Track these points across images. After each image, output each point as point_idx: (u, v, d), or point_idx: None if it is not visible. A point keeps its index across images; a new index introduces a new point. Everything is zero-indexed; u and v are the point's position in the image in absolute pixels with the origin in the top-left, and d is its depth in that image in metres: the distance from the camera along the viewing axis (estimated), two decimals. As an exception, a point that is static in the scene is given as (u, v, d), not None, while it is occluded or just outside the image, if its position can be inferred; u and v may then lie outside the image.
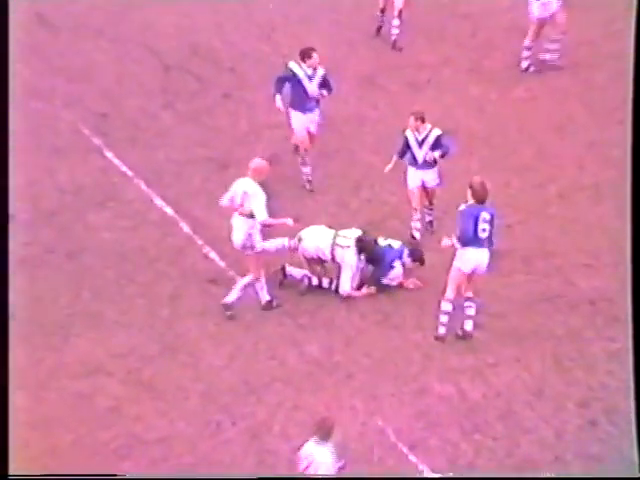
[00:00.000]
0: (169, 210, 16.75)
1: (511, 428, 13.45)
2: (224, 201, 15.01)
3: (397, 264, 15.41)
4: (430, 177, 16.06)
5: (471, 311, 14.66)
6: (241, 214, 14.74)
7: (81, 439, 13.26)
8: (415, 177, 16.05)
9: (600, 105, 18.67)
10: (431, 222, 16.32)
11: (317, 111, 16.91)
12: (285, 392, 13.88)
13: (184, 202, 16.76)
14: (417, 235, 16.08)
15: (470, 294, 14.63)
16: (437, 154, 15.80)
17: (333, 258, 15.37)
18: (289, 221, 14.77)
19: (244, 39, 20.44)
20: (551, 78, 19.29)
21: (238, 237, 14.86)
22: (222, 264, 15.77)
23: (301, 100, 16.74)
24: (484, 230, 14.37)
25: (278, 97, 16.68)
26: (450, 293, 14.55)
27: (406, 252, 15.45)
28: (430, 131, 15.85)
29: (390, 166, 15.97)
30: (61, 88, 18.80)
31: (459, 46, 20.16)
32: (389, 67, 19.70)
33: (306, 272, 15.46)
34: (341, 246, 15.34)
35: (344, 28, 20.60)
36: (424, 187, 16.11)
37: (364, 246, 15.31)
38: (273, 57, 19.77)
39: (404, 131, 15.93)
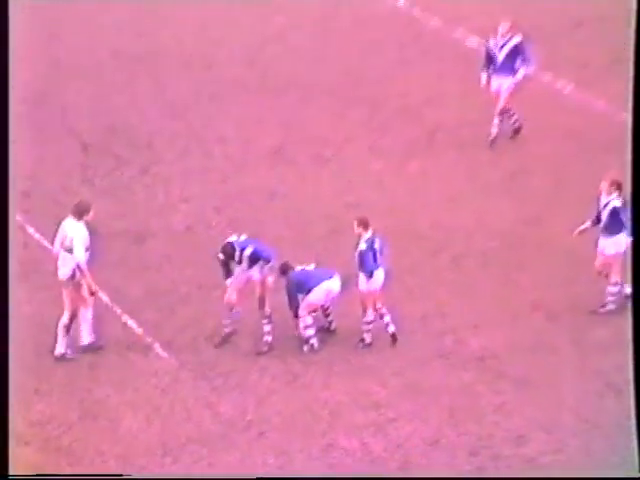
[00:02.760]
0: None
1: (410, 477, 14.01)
2: (56, 246, 15.83)
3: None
4: None
5: (387, 318, 15.82)
6: (65, 250, 15.73)
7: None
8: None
9: (485, 179, 19.29)
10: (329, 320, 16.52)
11: None
12: (200, 452, 14.22)
13: (103, 273, 16.83)
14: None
15: (380, 305, 15.85)
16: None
17: None
18: (92, 287, 15.61)
19: (159, 117, 20.90)
20: (440, 155, 19.89)
21: (64, 272, 15.73)
22: (139, 331, 16.12)
23: None
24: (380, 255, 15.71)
25: None
26: (370, 311, 15.82)
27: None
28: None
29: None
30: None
31: (360, 125, 20.67)
32: (296, 141, 20.19)
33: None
34: None
35: (252, 105, 21.10)
36: None
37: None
38: (186, 133, 20.35)
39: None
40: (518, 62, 19.49)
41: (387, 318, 15.96)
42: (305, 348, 15.89)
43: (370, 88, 21.47)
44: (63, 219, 15.73)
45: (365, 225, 15.76)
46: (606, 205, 16.18)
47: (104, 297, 16.64)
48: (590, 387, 15.18)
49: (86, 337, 15.85)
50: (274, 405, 14.91)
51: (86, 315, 15.82)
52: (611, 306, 16.35)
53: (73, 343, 15.77)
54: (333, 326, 16.25)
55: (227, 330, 16.01)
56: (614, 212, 16.12)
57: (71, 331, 15.71)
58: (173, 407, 14.93)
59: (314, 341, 15.90)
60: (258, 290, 15.84)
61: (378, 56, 22.47)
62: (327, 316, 16.22)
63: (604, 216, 16.18)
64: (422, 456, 14.18)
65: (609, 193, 16.15)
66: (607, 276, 16.36)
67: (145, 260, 17.57)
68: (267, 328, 15.90)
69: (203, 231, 17.85)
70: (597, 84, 20.95)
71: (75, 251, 15.59)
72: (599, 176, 16.45)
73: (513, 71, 19.52)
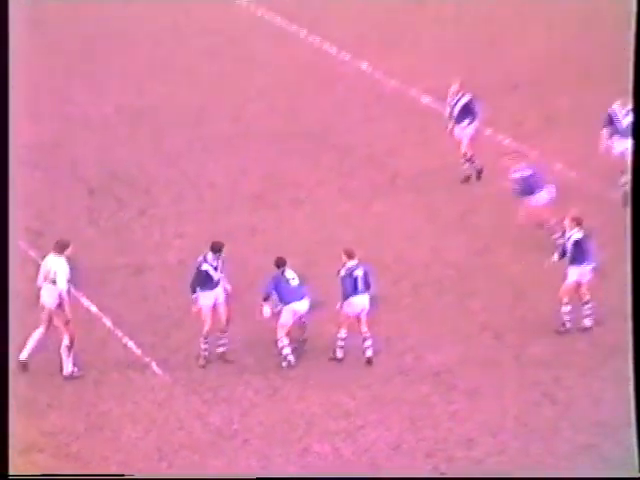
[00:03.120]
0: (94, 308, 17.08)
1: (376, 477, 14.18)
2: (39, 280, 15.86)
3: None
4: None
5: (368, 342, 15.87)
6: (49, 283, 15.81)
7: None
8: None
9: (440, 218, 19.43)
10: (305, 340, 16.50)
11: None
12: (192, 457, 14.31)
13: (106, 301, 17.11)
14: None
15: (365, 329, 15.95)
16: None
17: None
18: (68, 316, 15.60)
19: (157, 165, 20.95)
20: (401, 197, 20.01)
21: (50, 302, 15.79)
22: (138, 352, 16.16)
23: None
24: (360, 280, 15.83)
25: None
26: (343, 331, 16.01)
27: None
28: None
29: None
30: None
31: (331, 171, 20.83)
32: (275, 186, 20.30)
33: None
34: None
35: (237, 155, 21.18)
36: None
37: None
38: (180, 180, 20.45)
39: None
40: (469, 116, 19.78)
41: (368, 343, 16.00)
42: (284, 364, 16.03)
43: (339, 139, 21.62)
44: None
45: (349, 254, 15.95)
46: (569, 238, 16.45)
47: (107, 322, 16.74)
48: (529, 397, 15.29)
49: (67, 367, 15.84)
50: (257, 416, 15.03)
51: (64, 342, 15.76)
52: (569, 325, 16.45)
53: (78, 361, 15.80)
54: (305, 335, 16.24)
55: (220, 350, 16.14)
56: (577, 243, 16.38)
57: (73, 351, 15.68)
58: (168, 418, 15.02)
59: (291, 358, 16.02)
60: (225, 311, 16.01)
61: (346, 112, 22.64)
62: (302, 328, 16.21)
63: (569, 247, 16.43)
64: (386, 459, 14.32)
65: (571, 228, 16.45)
66: (570, 301, 16.48)
67: (143, 290, 17.68)
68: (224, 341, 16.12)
69: (194, 264, 17.88)
70: (532, 139, 21.12)
71: (58, 282, 15.67)
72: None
73: (468, 123, 19.82)
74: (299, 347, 16.16)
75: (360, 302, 15.97)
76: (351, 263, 15.90)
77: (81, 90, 23.61)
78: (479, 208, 19.59)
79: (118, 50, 25.15)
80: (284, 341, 16.03)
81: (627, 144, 17.36)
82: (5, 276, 13.70)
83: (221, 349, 16.14)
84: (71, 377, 15.71)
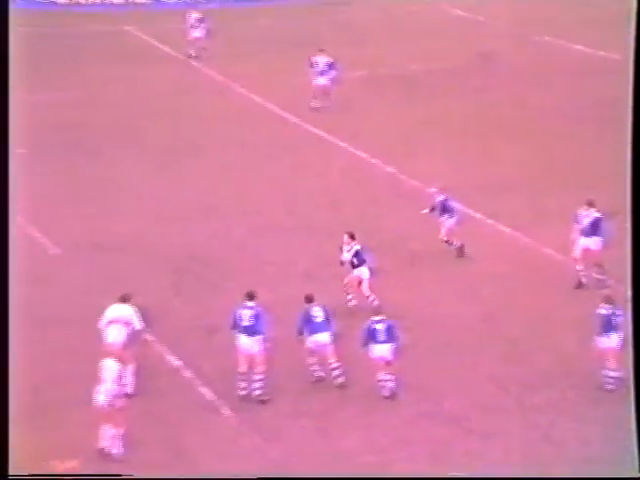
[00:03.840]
0: (177, 362, 16.74)
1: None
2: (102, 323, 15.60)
3: None
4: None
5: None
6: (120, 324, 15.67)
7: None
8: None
9: (452, 288, 19.09)
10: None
11: None
12: None
13: (187, 356, 16.71)
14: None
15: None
16: None
17: None
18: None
19: (225, 248, 20.79)
20: (418, 271, 19.76)
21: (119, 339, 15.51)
22: (213, 397, 15.75)
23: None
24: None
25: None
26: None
27: None
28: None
29: None
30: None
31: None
32: (321, 264, 19.75)
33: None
34: None
35: (291, 240, 20.85)
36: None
37: None
38: (244, 259, 20.24)
39: None
40: (448, 212, 20.03)
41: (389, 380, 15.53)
42: (313, 379, 15.75)
43: (371, 225, 21.23)
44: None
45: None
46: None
47: (188, 373, 16.46)
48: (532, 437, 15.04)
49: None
50: (308, 451, 14.58)
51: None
52: (611, 387, 15.48)
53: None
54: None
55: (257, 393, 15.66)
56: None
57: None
58: (235, 452, 14.60)
59: (316, 369, 15.77)
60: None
61: (376, 204, 22.62)
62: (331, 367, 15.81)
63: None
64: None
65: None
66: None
67: (217, 347, 17.05)
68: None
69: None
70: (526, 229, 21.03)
71: (135, 322, 15.69)
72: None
73: (447, 217, 20.06)
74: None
75: (380, 351, 15.45)
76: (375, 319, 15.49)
77: (166, 188, 23.63)
78: (480, 284, 19.23)
79: (195, 156, 25.27)
80: (309, 360, 15.83)
81: (589, 242, 18.27)
82: (5, 275, 13.24)
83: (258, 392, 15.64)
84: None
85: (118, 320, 15.81)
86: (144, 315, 16.07)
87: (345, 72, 28.27)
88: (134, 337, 15.81)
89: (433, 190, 20.40)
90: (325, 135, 26.52)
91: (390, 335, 15.62)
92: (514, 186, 23.10)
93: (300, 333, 15.81)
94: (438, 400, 15.81)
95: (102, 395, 14.48)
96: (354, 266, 17.91)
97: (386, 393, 15.63)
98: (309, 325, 15.75)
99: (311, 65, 27.88)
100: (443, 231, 20.08)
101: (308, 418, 15.48)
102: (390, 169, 24.37)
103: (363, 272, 17.84)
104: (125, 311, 15.95)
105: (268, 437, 15.05)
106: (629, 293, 12.01)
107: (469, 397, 15.85)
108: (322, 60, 27.74)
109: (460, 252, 20.07)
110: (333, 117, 27.32)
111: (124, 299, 16.09)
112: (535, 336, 17.10)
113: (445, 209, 20.05)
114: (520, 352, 17.00)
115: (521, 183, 23.28)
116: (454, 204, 20.21)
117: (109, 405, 14.39)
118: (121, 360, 14.68)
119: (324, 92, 27.73)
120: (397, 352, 15.67)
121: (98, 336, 15.88)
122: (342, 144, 25.94)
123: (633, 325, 11.38)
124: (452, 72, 30.79)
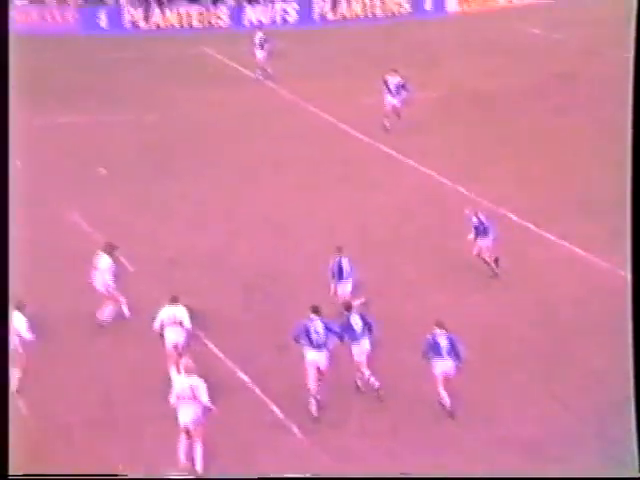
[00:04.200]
0: (246, 378, 16.86)
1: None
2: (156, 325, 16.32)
3: None
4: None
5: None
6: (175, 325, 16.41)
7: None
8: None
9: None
10: None
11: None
12: None
13: (255, 372, 16.83)
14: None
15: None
16: None
17: None
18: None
19: (293, 265, 20.83)
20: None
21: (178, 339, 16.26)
22: (281, 416, 15.85)
23: None
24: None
25: None
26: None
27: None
28: None
29: None
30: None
31: (430, 267, 20.63)
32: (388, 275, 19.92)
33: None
34: None
35: (363, 260, 20.35)
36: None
37: None
38: (312, 275, 19.94)
39: None
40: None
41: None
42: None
43: (436, 241, 21.30)
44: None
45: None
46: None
47: (257, 389, 16.58)
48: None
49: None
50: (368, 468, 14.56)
51: None
52: None
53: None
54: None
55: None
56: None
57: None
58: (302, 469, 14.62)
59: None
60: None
61: (443, 219, 22.49)
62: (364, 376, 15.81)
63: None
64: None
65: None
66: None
67: (286, 364, 17.04)
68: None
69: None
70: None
71: (186, 323, 16.26)
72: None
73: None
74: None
75: (442, 365, 15.41)
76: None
77: (238, 205, 23.85)
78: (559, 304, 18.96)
79: (268, 174, 25.53)
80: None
81: None
82: (5, 280, 13.18)
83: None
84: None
85: (173, 321, 16.34)
86: (197, 317, 16.52)
87: (418, 92, 28.37)
88: (189, 337, 16.32)
89: (467, 212, 20.31)
90: (395, 154, 26.62)
91: (454, 351, 15.55)
92: (588, 208, 22.76)
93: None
94: (508, 424, 15.60)
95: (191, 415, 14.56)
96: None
97: (447, 409, 15.53)
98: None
99: (384, 85, 28.08)
100: (476, 250, 20.00)
101: (367, 438, 15.41)
102: (461, 189, 24.25)
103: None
104: (178, 311, 16.44)
105: (334, 456, 15.07)
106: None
107: (542, 424, 15.49)
108: (393, 80, 27.92)
109: (495, 266, 19.98)
110: (404, 137, 27.34)
111: (175, 300, 16.57)
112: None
113: (483, 229, 20.00)
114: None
115: (597, 205, 22.81)
116: (488, 222, 20.13)
117: (195, 423, 14.56)
118: (187, 370, 14.82)
119: (395, 112, 27.91)
120: (459, 369, 15.60)
121: (156, 340, 16.25)
122: (412, 163, 26.02)
123: (633, 325, 11.04)
124: (528, 92, 30.56)
